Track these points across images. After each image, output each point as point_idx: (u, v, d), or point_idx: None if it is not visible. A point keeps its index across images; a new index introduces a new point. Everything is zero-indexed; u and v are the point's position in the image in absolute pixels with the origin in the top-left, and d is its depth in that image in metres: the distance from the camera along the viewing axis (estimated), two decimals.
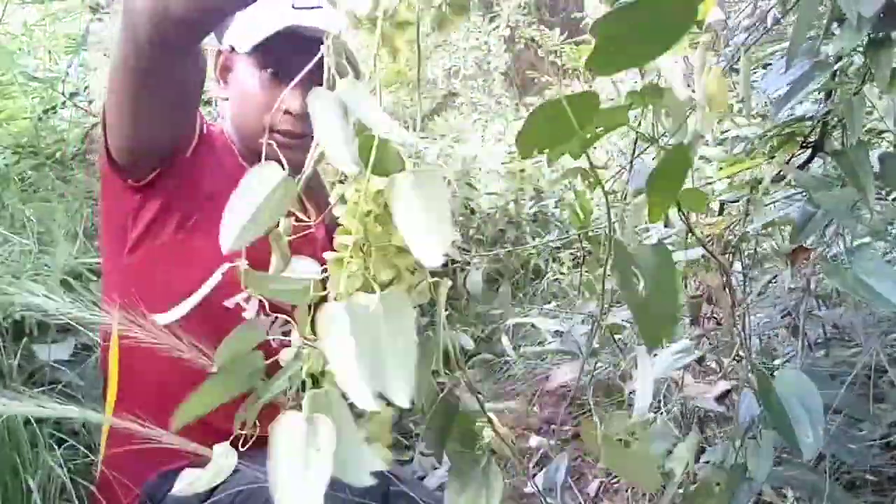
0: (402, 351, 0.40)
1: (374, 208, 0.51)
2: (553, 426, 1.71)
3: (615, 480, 1.61)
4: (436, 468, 1.33)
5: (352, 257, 0.51)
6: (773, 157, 0.98)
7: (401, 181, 0.43)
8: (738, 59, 0.90)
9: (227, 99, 1.12)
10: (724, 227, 1.02)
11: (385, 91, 0.54)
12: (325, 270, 0.53)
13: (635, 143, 0.84)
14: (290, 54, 0.99)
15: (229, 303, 1.01)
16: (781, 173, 0.98)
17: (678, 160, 0.68)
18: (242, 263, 0.51)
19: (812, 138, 1.01)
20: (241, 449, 0.59)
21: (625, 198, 0.85)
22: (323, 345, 0.40)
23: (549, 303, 2.68)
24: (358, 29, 0.52)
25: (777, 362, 1.29)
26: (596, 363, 1.62)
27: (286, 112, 1.03)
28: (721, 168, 1.04)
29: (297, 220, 0.56)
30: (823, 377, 1.05)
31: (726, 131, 1.17)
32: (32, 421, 1.11)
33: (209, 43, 1.04)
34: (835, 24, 0.90)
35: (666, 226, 1.03)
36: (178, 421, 0.54)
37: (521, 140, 0.58)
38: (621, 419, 0.72)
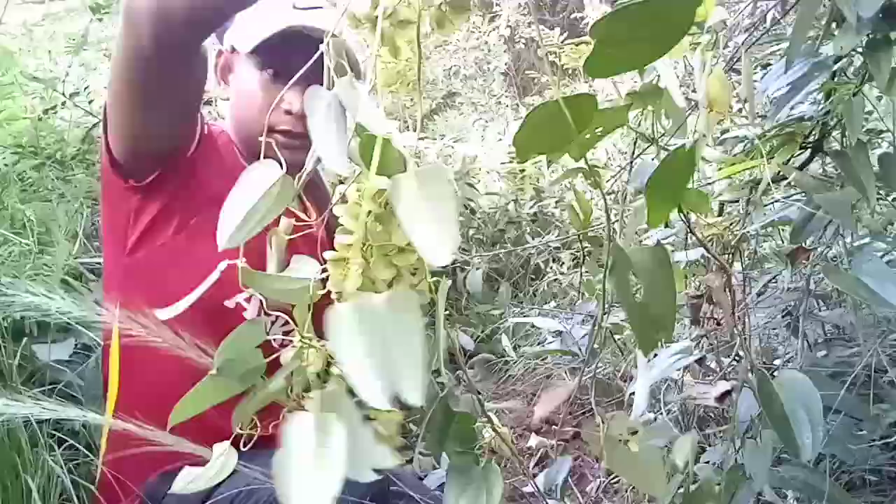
0: (412, 350, 0.40)
1: (375, 208, 0.51)
2: (553, 426, 1.70)
3: (615, 480, 1.62)
4: (436, 468, 1.33)
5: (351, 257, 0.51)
6: (772, 158, 0.98)
7: (406, 181, 0.43)
8: (738, 60, 0.90)
9: (227, 99, 1.12)
10: (724, 227, 1.02)
11: (385, 91, 0.54)
12: (325, 270, 0.53)
13: (635, 144, 0.84)
14: (291, 54, 0.99)
15: (229, 302, 1.01)
16: (781, 174, 0.98)
17: (681, 164, 0.64)
18: (241, 262, 0.51)
19: (812, 139, 1.01)
20: (241, 449, 0.59)
21: (625, 198, 0.85)
22: (331, 345, 0.40)
23: (549, 303, 2.68)
24: (358, 29, 0.53)
25: (777, 362, 1.29)
26: (596, 363, 1.62)
27: (287, 112, 1.03)
28: (721, 168, 1.04)
29: (298, 219, 0.56)
30: (823, 377, 1.05)
31: (726, 131, 1.17)
32: (32, 421, 1.11)
33: (210, 43, 1.04)
34: (834, 25, 0.90)
35: (666, 226, 1.03)
36: (174, 418, 0.54)
37: (519, 144, 0.57)
38: (623, 420, 0.72)
